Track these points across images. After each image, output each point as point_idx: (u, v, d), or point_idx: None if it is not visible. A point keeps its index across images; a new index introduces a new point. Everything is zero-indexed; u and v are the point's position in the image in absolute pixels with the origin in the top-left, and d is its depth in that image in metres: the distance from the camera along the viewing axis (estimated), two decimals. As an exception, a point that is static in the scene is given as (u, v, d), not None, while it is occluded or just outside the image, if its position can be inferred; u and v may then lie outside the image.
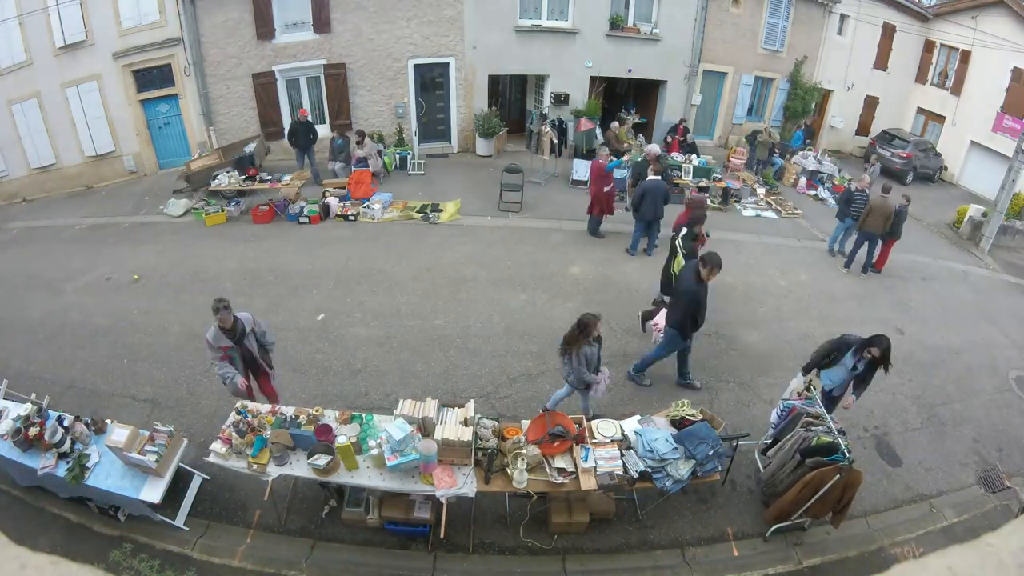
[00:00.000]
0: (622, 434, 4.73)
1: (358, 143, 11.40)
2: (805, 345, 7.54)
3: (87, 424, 4.76)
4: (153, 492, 4.45)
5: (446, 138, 14.06)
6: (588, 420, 4.87)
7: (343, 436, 4.33)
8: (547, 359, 6.85)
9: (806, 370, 5.48)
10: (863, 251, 9.69)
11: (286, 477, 4.39)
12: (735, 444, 4.97)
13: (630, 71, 14.33)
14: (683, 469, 4.48)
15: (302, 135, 11.36)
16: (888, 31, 16.83)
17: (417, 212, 10.53)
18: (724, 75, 15.38)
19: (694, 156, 12.51)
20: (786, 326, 7.97)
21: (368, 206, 10.43)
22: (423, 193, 11.46)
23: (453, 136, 14.00)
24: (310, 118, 11.67)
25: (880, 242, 9.52)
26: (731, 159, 13.40)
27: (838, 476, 4.44)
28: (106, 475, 4.52)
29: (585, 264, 9.10)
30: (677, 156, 12.40)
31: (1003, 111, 15.42)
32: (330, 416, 4.72)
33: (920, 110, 18.09)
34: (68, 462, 4.54)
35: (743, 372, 6.91)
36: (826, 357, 5.41)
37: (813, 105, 16.40)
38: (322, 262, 8.83)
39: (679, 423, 4.92)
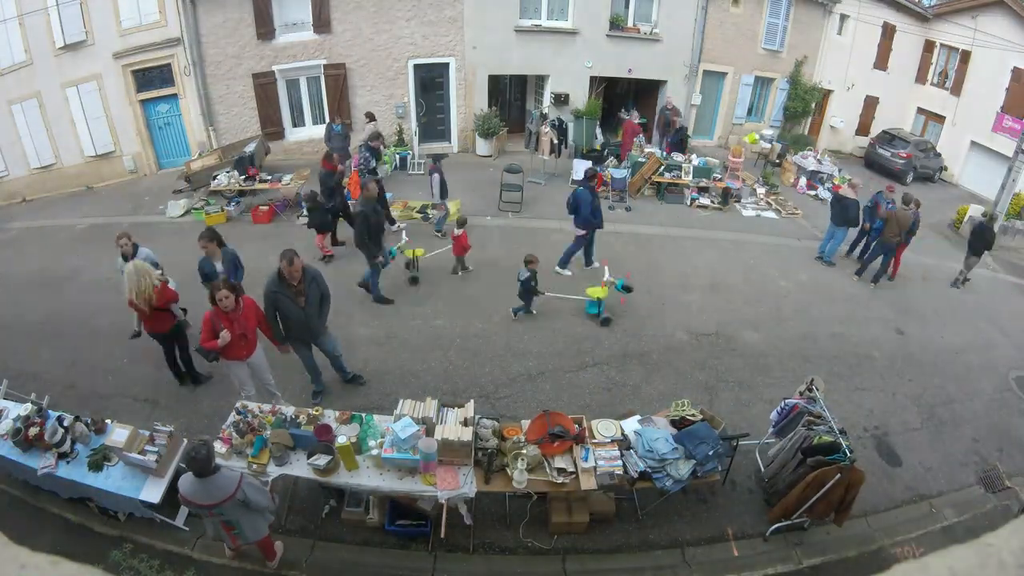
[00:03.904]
0: (622, 434, 4.73)
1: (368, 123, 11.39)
2: (805, 345, 7.57)
3: (87, 424, 4.76)
4: (153, 492, 4.45)
5: (446, 138, 14.06)
6: None
7: (343, 436, 4.32)
8: (547, 359, 6.85)
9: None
10: (855, 256, 9.74)
11: (286, 477, 4.39)
12: (735, 444, 4.97)
13: (630, 71, 14.33)
14: (683, 469, 4.48)
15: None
16: (888, 31, 16.84)
17: (417, 212, 10.52)
18: (724, 75, 15.39)
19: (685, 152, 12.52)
20: (786, 326, 7.98)
21: (368, 206, 10.40)
22: (423, 193, 11.44)
23: (453, 136, 14.00)
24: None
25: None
26: (731, 159, 13.40)
27: (839, 475, 4.45)
28: (107, 475, 4.53)
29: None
30: (677, 156, 12.40)
31: (1003, 111, 15.43)
32: (330, 416, 4.72)
33: (920, 110, 18.10)
34: (68, 460, 4.55)
35: (743, 372, 6.91)
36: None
37: (814, 105, 16.41)
38: (322, 262, 8.81)
39: (679, 423, 4.92)
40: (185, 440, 4.89)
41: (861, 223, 9.81)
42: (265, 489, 4.02)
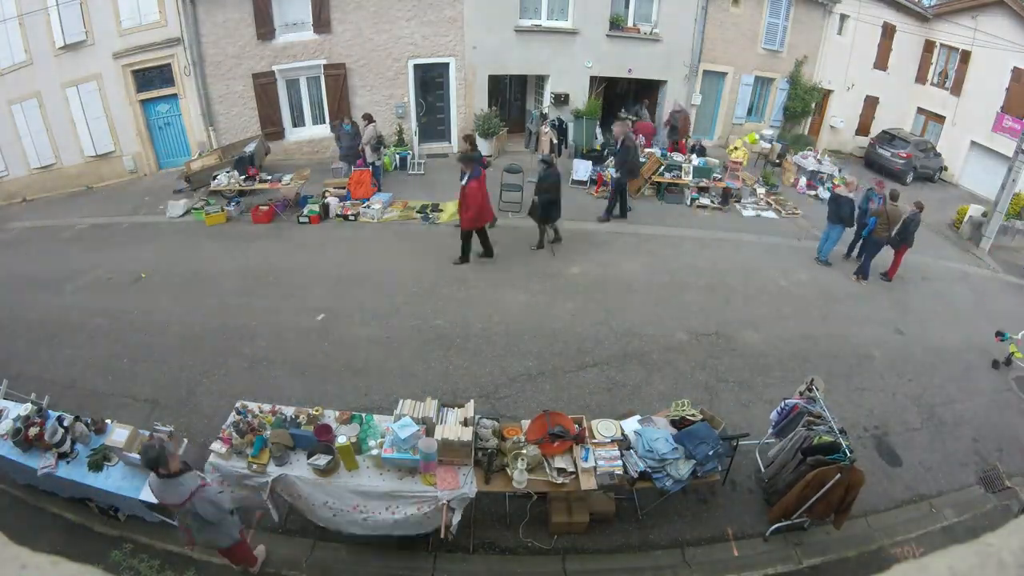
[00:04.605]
0: (622, 434, 4.73)
1: (365, 126, 11.31)
2: (805, 345, 7.57)
3: (87, 424, 4.76)
4: (153, 492, 4.45)
5: (446, 138, 14.06)
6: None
7: (343, 436, 4.33)
8: (547, 359, 6.85)
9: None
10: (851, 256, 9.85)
11: (286, 478, 4.38)
12: (735, 444, 4.97)
13: (630, 71, 14.34)
14: (683, 469, 4.48)
15: None
16: (888, 31, 16.85)
17: (417, 212, 10.53)
18: (724, 75, 15.40)
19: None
20: (786, 326, 7.97)
21: (368, 206, 10.43)
22: (423, 193, 11.46)
23: (453, 136, 14.00)
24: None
25: (892, 249, 9.44)
26: (730, 161, 13.41)
27: (839, 475, 4.45)
28: (107, 475, 4.53)
29: (585, 264, 9.10)
30: (678, 156, 12.40)
31: (1003, 111, 15.43)
32: (330, 416, 4.72)
33: (920, 110, 18.11)
34: (68, 460, 4.55)
35: (743, 372, 6.91)
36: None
37: (813, 105, 16.42)
38: (322, 262, 8.82)
39: (679, 423, 4.92)
40: (186, 440, 4.90)
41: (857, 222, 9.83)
42: (225, 502, 3.93)
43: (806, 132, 16.90)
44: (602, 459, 4.48)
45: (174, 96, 12.12)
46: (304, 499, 4.34)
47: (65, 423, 4.66)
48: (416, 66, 12.93)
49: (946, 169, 16.92)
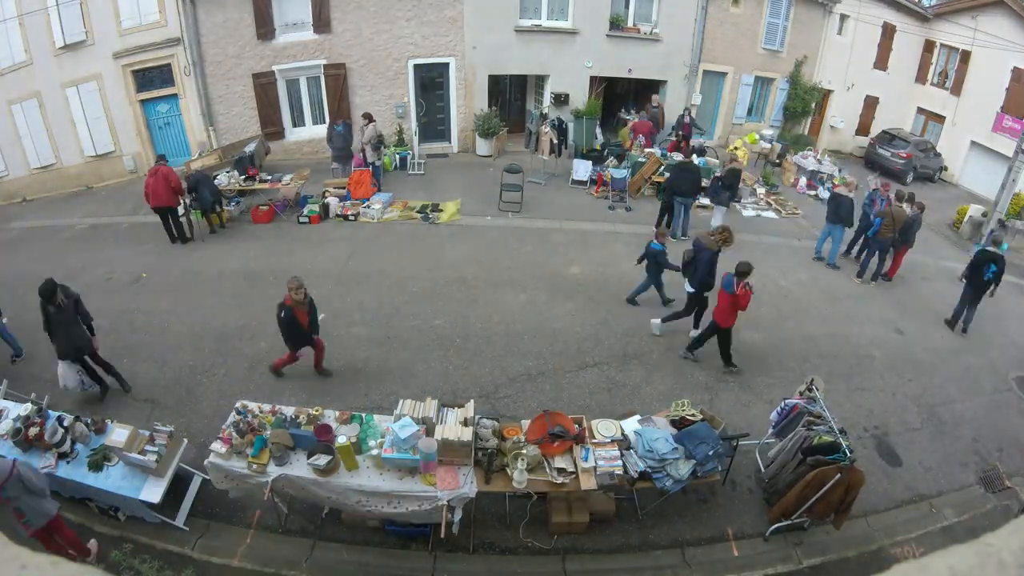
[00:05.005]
0: (622, 434, 4.73)
1: (365, 125, 11.26)
2: (805, 345, 7.56)
3: (87, 424, 4.76)
4: (153, 492, 4.45)
5: (446, 138, 14.06)
6: None
7: (343, 436, 4.33)
8: (547, 359, 6.85)
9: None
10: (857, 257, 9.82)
11: (286, 477, 4.39)
12: (735, 444, 4.97)
13: (630, 71, 14.33)
14: (683, 469, 4.48)
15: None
16: (888, 31, 16.85)
17: (417, 212, 10.53)
18: (724, 75, 15.39)
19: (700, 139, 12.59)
20: (786, 326, 7.97)
21: (368, 206, 10.43)
22: (423, 193, 11.46)
23: (453, 136, 14.00)
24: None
25: (892, 250, 9.41)
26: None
27: (839, 475, 4.45)
28: (107, 475, 4.53)
29: (585, 264, 9.10)
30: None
31: (1003, 111, 15.43)
32: (330, 416, 4.72)
33: (920, 110, 18.10)
34: (68, 460, 4.55)
35: (743, 372, 6.91)
36: None
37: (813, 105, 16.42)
38: (322, 262, 8.82)
39: (679, 423, 4.92)
40: (185, 440, 4.89)
41: (856, 221, 9.82)
42: (42, 475, 4.05)
43: (806, 132, 16.89)
44: (602, 459, 4.49)
45: (174, 96, 12.12)
46: (306, 491, 4.38)
47: (65, 423, 4.66)
48: (416, 66, 12.92)
49: (946, 169, 16.92)
